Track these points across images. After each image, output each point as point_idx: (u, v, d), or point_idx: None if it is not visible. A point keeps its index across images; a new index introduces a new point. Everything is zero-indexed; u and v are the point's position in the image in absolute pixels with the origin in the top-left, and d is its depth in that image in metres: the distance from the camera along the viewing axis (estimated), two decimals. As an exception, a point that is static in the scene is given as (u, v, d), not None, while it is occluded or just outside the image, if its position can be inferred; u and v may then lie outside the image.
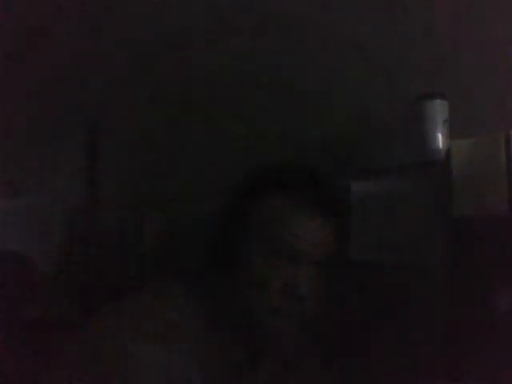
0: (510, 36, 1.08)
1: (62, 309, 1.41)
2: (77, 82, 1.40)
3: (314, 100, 1.27)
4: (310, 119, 1.29)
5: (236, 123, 1.34)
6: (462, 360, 0.83)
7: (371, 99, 1.21)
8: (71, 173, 1.61)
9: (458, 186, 0.88)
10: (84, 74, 1.37)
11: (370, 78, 1.21)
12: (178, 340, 0.68)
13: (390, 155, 1.17)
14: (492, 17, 1.08)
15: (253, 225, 0.73)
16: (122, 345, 0.64)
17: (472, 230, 0.86)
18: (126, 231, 1.51)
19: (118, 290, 0.83)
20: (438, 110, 1.02)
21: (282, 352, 0.79)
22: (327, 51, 1.22)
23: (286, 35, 1.23)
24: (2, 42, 1.28)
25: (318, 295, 0.72)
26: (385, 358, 0.94)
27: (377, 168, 1.15)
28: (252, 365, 0.76)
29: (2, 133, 1.58)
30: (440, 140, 1.00)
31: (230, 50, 1.27)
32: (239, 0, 1.18)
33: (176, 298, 0.73)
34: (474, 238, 0.86)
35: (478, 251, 0.85)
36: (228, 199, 0.78)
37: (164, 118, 1.40)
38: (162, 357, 0.65)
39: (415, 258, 1.00)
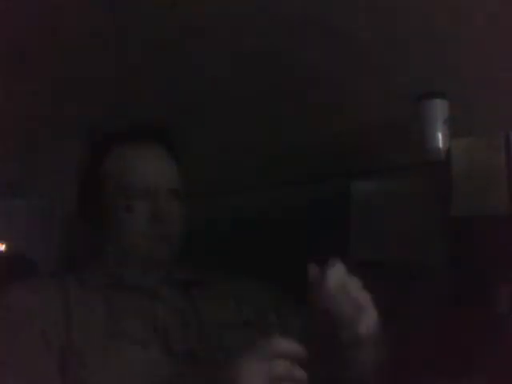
0: (510, 36, 1.08)
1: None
2: (77, 82, 1.40)
3: (314, 100, 1.27)
4: (310, 119, 1.29)
5: (235, 123, 1.34)
6: (461, 360, 0.83)
7: (371, 99, 1.21)
8: (71, 173, 1.61)
9: (458, 186, 0.88)
10: (84, 74, 1.37)
11: (369, 77, 1.21)
12: None
13: (390, 155, 1.17)
14: (492, 17, 1.07)
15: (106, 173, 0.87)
16: None
17: (472, 230, 0.86)
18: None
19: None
20: (438, 109, 1.02)
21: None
22: (327, 51, 1.22)
23: (286, 35, 1.23)
24: (2, 41, 1.28)
25: (175, 219, 0.86)
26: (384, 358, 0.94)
27: (377, 168, 1.15)
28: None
29: (2, 133, 1.58)
30: (440, 140, 1.00)
31: (230, 50, 1.27)
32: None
33: None
34: (474, 238, 0.86)
35: (477, 251, 0.85)
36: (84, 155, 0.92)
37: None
38: None
39: (415, 258, 1.00)
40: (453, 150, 0.90)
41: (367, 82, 1.21)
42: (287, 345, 0.63)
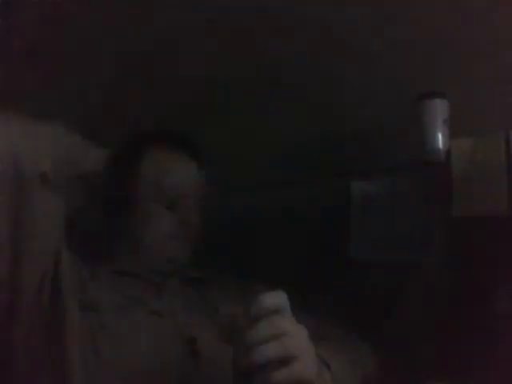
0: (510, 36, 1.08)
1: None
2: (77, 82, 1.40)
3: (314, 100, 1.27)
4: (310, 119, 1.29)
5: (235, 123, 1.34)
6: (461, 360, 0.83)
7: (371, 99, 1.21)
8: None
9: (458, 186, 0.88)
10: (84, 74, 1.37)
11: (370, 77, 1.21)
12: None
13: (390, 155, 1.17)
14: (492, 16, 1.07)
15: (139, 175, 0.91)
16: None
17: (472, 230, 0.86)
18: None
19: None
20: (438, 109, 1.02)
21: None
22: (327, 51, 1.22)
23: (286, 35, 1.23)
24: (2, 41, 1.28)
25: (199, 223, 0.92)
26: (384, 358, 0.94)
27: (377, 168, 1.15)
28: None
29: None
30: (440, 140, 1.00)
31: (229, 49, 1.27)
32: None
33: None
34: (474, 238, 0.86)
35: (477, 251, 0.85)
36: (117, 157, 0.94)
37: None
38: None
39: (415, 257, 1.00)
40: (453, 151, 0.90)
41: (367, 81, 1.21)
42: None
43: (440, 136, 1.00)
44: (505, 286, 0.82)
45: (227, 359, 0.70)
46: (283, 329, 0.57)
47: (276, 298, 0.59)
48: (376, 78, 1.20)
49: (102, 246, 0.93)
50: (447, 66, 1.12)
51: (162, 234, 0.89)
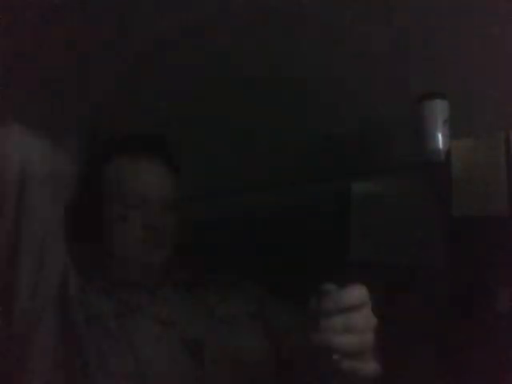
0: (509, 35, 1.08)
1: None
2: (77, 82, 1.40)
3: (314, 100, 1.27)
4: (310, 119, 1.29)
5: (235, 122, 1.34)
6: (461, 360, 0.83)
7: (371, 99, 1.21)
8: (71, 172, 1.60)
9: (458, 186, 0.87)
10: (84, 73, 1.37)
11: (370, 77, 1.21)
12: None
13: (390, 155, 1.17)
14: (492, 16, 1.07)
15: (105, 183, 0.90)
16: None
17: (472, 230, 0.86)
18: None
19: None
20: (438, 109, 1.02)
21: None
22: (327, 51, 1.22)
23: (286, 35, 1.23)
24: (2, 41, 1.28)
25: (167, 227, 0.89)
26: (384, 358, 0.94)
27: (377, 168, 1.15)
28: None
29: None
30: (440, 140, 1.00)
31: (229, 49, 1.27)
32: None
33: None
34: (474, 238, 0.86)
35: (477, 251, 0.85)
36: (84, 167, 0.94)
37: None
38: None
39: (415, 257, 1.00)
40: (453, 151, 0.90)
41: (367, 82, 1.21)
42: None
43: (440, 136, 1.00)
44: (505, 286, 0.82)
45: (233, 359, 0.71)
46: (360, 325, 0.60)
47: (356, 293, 0.62)
48: (376, 77, 1.20)
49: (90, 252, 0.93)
50: (447, 66, 1.12)
51: (128, 237, 0.87)
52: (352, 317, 0.60)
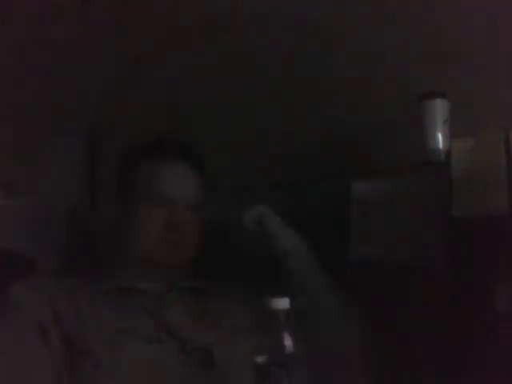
0: (509, 35, 1.08)
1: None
2: (77, 82, 1.40)
3: (314, 100, 1.27)
4: (310, 119, 1.29)
5: (235, 123, 1.34)
6: (461, 360, 0.83)
7: (371, 99, 1.21)
8: (71, 173, 1.61)
9: (458, 186, 0.88)
10: (84, 73, 1.37)
11: (370, 77, 1.21)
12: None
13: (390, 155, 1.17)
14: (492, 16, 1.07)
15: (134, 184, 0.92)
16: None
17: (472, 230, 0.86)
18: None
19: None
20: (438, 109, 1.02)
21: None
22: (327, 51, 1.22)
23: (286, 35, 1.23)
24: (2, 41, 1.28)
25: (190, 230, 0.91)
26: (384, 358, 0.94)
27: (377, 168, 1.15)
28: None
29: (2, 133, 1.58)
30: (440, 140, 1.00)
31: (229, 49, 1.27)
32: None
33: None
34: (474, 238, 0.86)
35: (477, 251, 0.85)
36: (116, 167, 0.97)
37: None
38: None
39: (415, 257, 1.00)
40: (453, 151, 0.90)
41: (367, 82, 1.21)
42: None
43: (440, 136, 1.00)
44: (505, 286, 0.82)
45: (241, 367, 0.72)
46: None
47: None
48: (376, 77, 1.20)
49: (101, 256, 0.94)
50: (447, 66, 1.12)
51: (148, 235, 0.88)
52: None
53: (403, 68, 1.16)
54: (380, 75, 1.19)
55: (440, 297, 0.92)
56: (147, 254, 0.88)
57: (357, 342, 0.86)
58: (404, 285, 0.98)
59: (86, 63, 1.33)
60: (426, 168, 1.00)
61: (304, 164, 1.29)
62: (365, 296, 1.04)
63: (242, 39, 1.23)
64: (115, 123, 1.46)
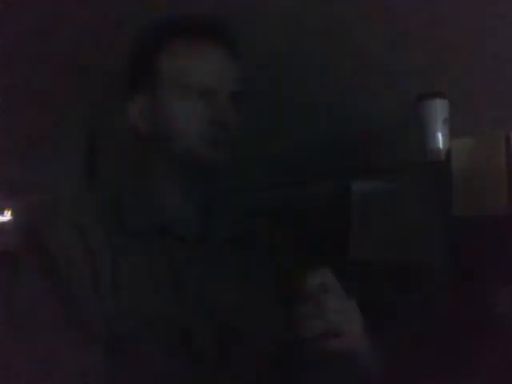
0: (509, 36, 1.08)
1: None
2: (77, 82, 1.40)
3: (314, 100, 1.27)
4: (311, 119, 1.29)
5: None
6: (461, 360, 0.83)
7: (371, 99, 1.21)
8: (71, 173, 1.61)
9: (458, 186, 0.88)
10: (84, 73, 1.37)
11: (370, 78, 1.21)
12: None
13: (390, 155, 1.17)
14: (492, 16, 1.07)
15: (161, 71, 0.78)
16: None
17: (472, 230, 0.86)
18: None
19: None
20: (438, 109, 1.02)
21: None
22: (327, 51, 1.22)
23: (286, 35, 1.23)
24: (2, 41, 1.28)
25: (234, 124, 0.78)
26: (384, 358, 0.94)
27: (377, 168, 1.15)
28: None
29: (2, 133, 1.58)
30: (440, 140, 1.00)
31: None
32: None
33: None
34: (474, 238, 0.86)
35: (477, 251, 0.85)
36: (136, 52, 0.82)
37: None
38: None
39: (415, 257, 1.00)
40: (453, 151, 0.90)
41: (367, 82, 1.21)
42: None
43: (440, 136, 1.00)
44: (505, 286, 0.82)
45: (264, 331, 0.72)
46: (330, 306, 0.64)
47: (323, 277, 0.65)
48: (376, 78, 1.20)
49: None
50: (447, 66, 1.12)
51: (190, 136, 0.76)
52: (322, 300, 0.63)
53: (403, 68, 1.16)
54: (380, 75, 1.19)
55: (440, 297, 0.92)
56: (187, 155, 0.76)
57: None
58: (404, 285, 0.99)
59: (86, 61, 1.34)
60: (426, 168, 1.00)
61: (304, 164, 1.29)
62: (365, 296, 1.04)
63: (242, 39, 1.23)
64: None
